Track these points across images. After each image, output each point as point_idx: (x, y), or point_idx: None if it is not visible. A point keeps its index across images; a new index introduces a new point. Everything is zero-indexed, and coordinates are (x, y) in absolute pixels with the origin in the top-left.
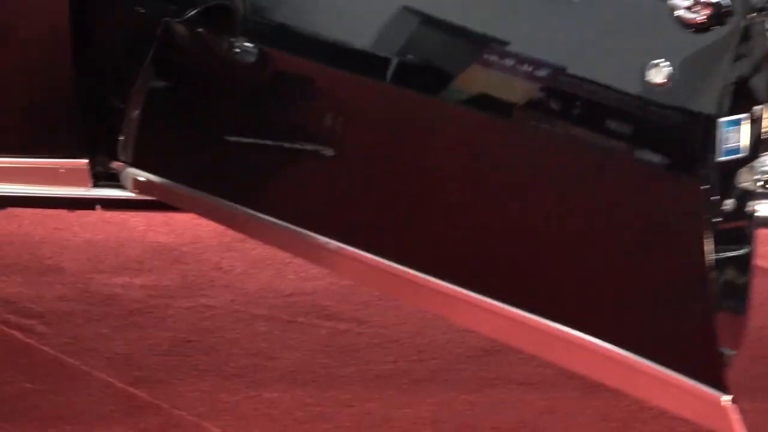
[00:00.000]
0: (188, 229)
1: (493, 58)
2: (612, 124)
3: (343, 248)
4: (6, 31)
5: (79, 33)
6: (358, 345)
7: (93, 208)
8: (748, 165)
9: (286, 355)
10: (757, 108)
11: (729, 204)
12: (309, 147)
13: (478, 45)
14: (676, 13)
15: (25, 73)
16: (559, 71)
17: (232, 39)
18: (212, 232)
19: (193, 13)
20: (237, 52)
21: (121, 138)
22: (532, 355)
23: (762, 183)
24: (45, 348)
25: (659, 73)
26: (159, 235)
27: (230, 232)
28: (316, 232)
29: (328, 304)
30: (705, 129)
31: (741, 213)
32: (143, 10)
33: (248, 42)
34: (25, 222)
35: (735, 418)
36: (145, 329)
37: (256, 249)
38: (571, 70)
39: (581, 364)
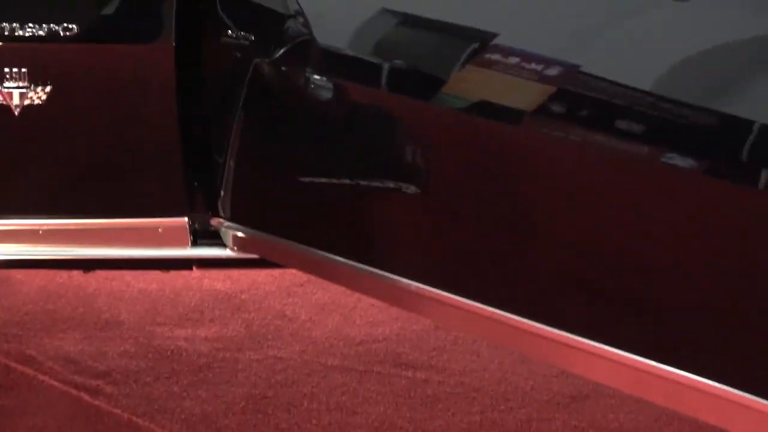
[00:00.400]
0: (244, 274)
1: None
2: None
3: (446, 295)
4: (107, 89)
5: (183, 88)
6: (441, 395)
7: (190, 269)
8: None
9: (368, 409)
10: None
11: None
12: (409, 188)
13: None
14: None
15: (126, 133)
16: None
17: (322, 77)
18: (269, 277)
19: (282, 51)
20: (330, 91)
21: (221, 193)
22: (621, 402)
23: None
24: (116, 410)
25: None
26: (216, 282)
27: (288, 277)
28: (419, 280)
29: (402, 350)
30: None
31: None
32: (240, 55)
33: (341, 80)
34: (75, 273)
35: None
36: (217, 385)
37: (317, 293)
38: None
39: (687, 404)
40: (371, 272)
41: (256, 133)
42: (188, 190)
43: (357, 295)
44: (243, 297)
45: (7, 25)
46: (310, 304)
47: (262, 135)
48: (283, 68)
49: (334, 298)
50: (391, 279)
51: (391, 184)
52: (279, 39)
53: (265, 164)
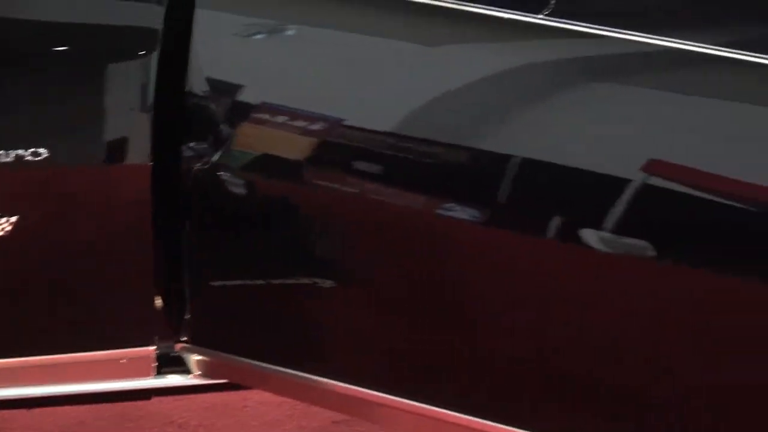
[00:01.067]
0: None
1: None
2: None
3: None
4: (77, 215)
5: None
6: None
7: (149, 398)
8: None
9: None
10: None
11: None
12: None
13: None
14: None
15: (96, 260)
16: None
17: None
18: None
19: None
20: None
21: (187, 316)
22: None
23: None
24: None
25: None
26: None
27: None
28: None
29: None
30: None
31: None
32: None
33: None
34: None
35: None
36: None
37: (207, 396)
38: None
39: None
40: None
41: (213, 247)
42: (156, 316)
43: (245, 393)
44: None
45: None
46: (200, 407)
47: (219, 246)
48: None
49: (224, 399)
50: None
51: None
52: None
53: (223, 280)
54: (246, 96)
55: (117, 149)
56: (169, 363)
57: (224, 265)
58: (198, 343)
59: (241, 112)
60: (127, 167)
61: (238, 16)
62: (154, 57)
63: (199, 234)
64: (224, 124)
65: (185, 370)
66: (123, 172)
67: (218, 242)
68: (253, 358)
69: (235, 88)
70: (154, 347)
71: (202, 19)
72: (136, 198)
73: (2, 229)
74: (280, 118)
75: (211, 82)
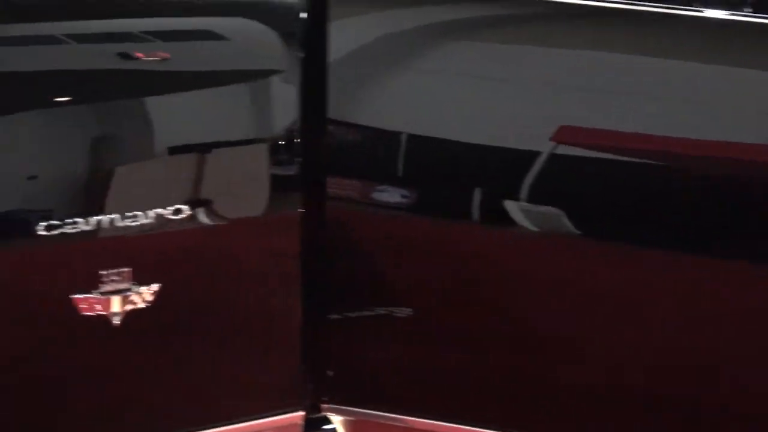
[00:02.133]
0: None
1: None
2: None
3: None
4: (223, 275)
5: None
6: None
7: None
8: None
9: None
10: None
11: None
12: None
13: None
14: None
15: (243, 322)
16: None
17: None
18: None
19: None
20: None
21: (331, 374)
22: None
23: None
24: None
25: None
26: None
27: None
28: None
29: None
30: None
31: None
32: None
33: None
34: None
35: None
36: None
37: None
38: None
39: None
40: None
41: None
42: (304, 378)
43: None
44: None
45: (104, 217)
46: None
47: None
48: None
49: None
50: None
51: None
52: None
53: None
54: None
55: (263, 200)
56: (311, 427)
57: (372, 316)
58: (342, 402)
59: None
60: (276, 219)
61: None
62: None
63: (346, 285)
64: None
65: None
66: (271, 225)
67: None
68: (408, 414)
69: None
70: (303, 412)
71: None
72: (285, 253)
73: (143, 299)
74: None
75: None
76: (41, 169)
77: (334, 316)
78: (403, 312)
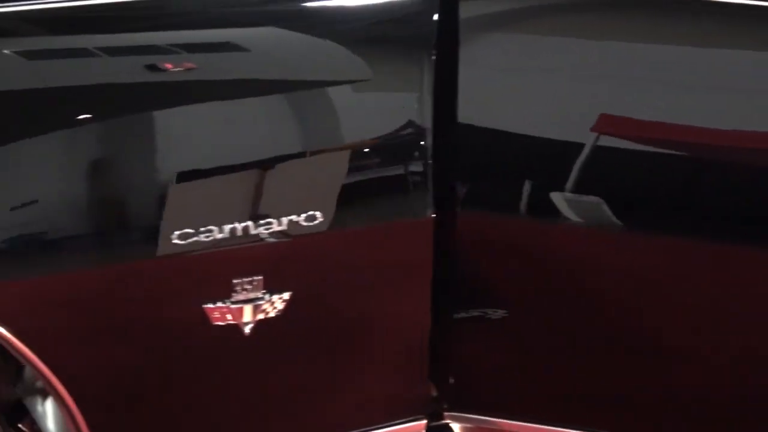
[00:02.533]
0: None
1: None
2: None
3: None
4: (351, 283)
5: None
6: None
7: None
8: None
9: None
10: None
11: None
12: None
13: None
14: None
15: (369, 330)
16: None
17: None
18: None
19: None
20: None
21: (451, 380)
22: None
23: None
24: None
25: None
26: None
27: None
28: None
29: None
30: None
31: None
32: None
33: None
34: None
35: None
36: None
37: None
38: None
39: None
40: None
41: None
42: (428, 386)
43: None
44: None
45: (238, 225)
46: None
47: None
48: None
49: None
50: None
51: None
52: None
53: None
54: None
55: (396, 205)
56: None
57: (495, 321)
58: (464, 409)
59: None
60: (408, 225)
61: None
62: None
63: (471, 290)
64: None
65: None
66: (403, 230)
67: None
68: (531, 421)
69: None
70: (425, 420)
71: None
72: (416, 259)
73: (273, 308)
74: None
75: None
76: (176, 177)
77: (457, 323)
78: (527, 318)
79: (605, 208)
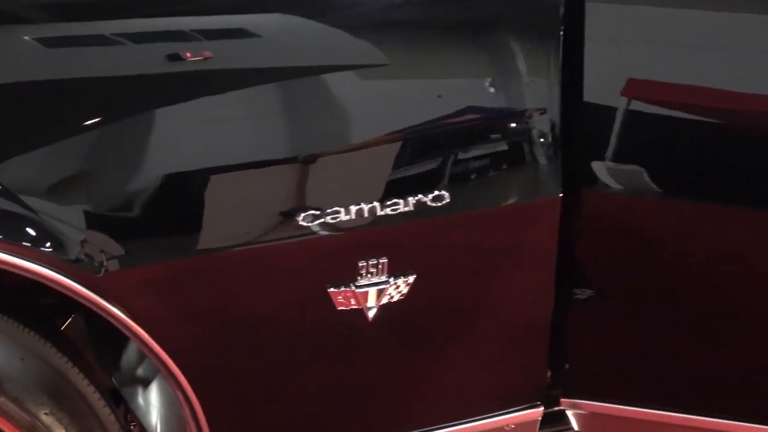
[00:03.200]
0: None
1: None
2: None
3: None
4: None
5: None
6: None
7: None
8: None
9: None
10: None
11: None
12: None
13: None
14: None
15: (491, 315)
16: None
17: None
18: None
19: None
20: None
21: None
22: None
23: None
24: None
25: None
26: None
27: None
28: None
29: None
30: None
31: None
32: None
33: None
34: None
35: None
36: None
37: None
38: None
39: None
40: None
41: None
42: (546, 372)
43: None
44: None
45: (365, 206)
46: None
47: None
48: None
49: None
50: None
51: None
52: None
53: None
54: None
55: (524, 185)
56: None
57: (618, 304)
58: (579, 395)
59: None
60: (536, 205)
61: None
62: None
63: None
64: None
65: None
66: (531, 211)
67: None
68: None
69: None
70: (542, 407)
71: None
72: (543, 241)
73: (398, 292)
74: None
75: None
76: (301, 157)
77: (576, 306)
78: (649, 301)
79: (739, 187)
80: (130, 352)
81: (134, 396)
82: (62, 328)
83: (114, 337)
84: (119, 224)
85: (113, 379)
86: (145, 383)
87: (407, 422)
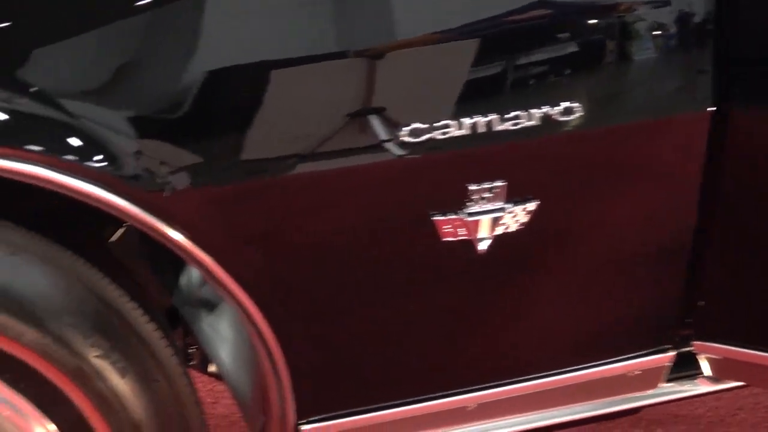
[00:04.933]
0: None
1: None
2: None
3: None
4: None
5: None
6: None
7: (636, 413)
8: None
9: None
10: None
11: None
12: None
13: None
14: None
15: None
16: None
17: None
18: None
19: None
20: None
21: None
22: None
23: None
24: None
25: None
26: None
27: None
28: None
29: None
30: None
31: None
32: None
33: None
34: None
35: None
36: None
37: None
38: None
39: None
40: None
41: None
42: (679, 312)
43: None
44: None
45: (480, 119)
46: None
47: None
48: None
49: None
50: None
51: None
52: None
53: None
54: None
55: (668, 97)
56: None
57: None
58: (714, 337)
59: None
60: (681, 120)
61: None
62: None
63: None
64: None
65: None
66: (675, 127)
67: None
68: None
69: None
70: (672, 351)
71: None
72: (687, 160)
73: (515, 221)
74: None
75: None
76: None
77: (720, 236)
78: None
79: None
80: (194, 269)
81: (196, 318)
82: (112, 242)
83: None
84: (187, 131)
85: (173, 299)
86: (209, 306)
87: (516, 369)
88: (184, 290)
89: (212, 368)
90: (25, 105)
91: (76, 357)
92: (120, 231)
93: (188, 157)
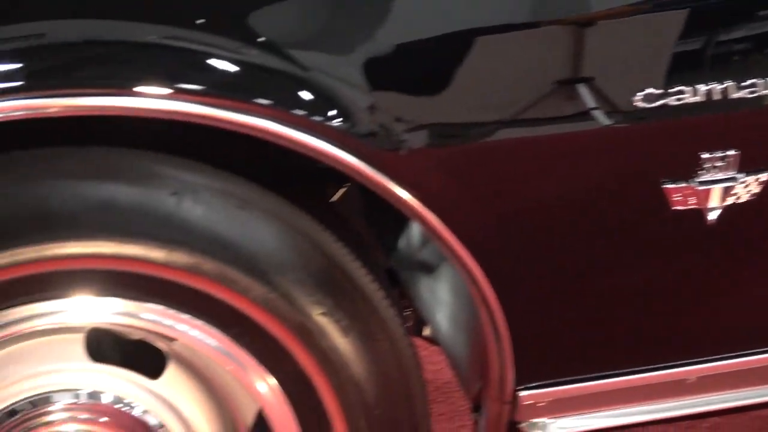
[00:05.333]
0: None
1: None
2: None
3: None
4: None
5: None
6: None
7: None
8: None
9: None
10: None
11: None
12: None
13: None
14: None
15: None
16: None
17: None
18: None
19: None
20: None
21: None
22: None
23: None
24: None
25: None
26: None
27: None
28: None
29: None
30: None
31: None
32: None
33: None
34: None
35: None
36: None
37: None
38: None
39: None
40: None
41: None
42: None
43: None
44: None
45: (715, 86)
46: None
47: None
48: None
49: None
50: None
51: None
52: None
53: None
54: None
55: None
56: None
57: None
58: None
59: None
60: None
61: None
62: None
63: None
64: None
65: None
66: None
67: None
68: None
69: None
70: None
71: None
72: None
73: (747, 192)
74: None
75: None
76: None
77: None
78: None
79: None
80: (415, 231)
81: (414, 280)
82: (333, 201)
83: (395, 212)
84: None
85: (391, 259)
86: (428, 268)
87: (740, 343)
88: (403, 252)
89: (426, 332)
90: (255, 56)
91: (301, 313)
92: (342, 190)
93: (426, 116)
